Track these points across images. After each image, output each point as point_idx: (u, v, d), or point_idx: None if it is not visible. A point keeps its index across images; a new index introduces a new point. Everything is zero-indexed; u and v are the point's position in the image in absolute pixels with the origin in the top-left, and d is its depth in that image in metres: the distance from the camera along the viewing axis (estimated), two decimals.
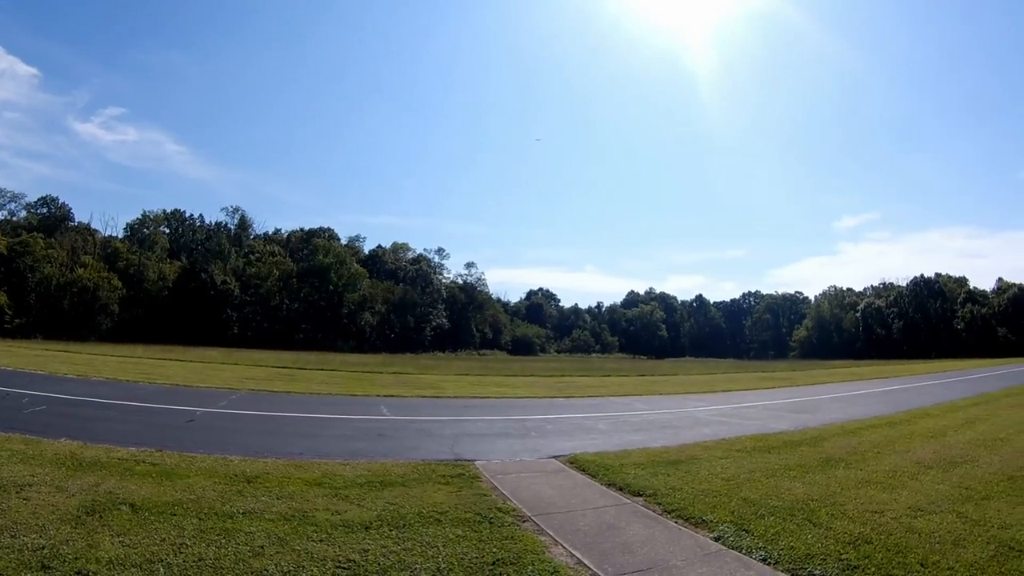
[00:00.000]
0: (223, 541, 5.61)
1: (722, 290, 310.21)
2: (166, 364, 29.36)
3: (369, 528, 6.35)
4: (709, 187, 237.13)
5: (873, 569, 5.73)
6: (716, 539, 6.69)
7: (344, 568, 5.23)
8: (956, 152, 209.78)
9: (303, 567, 5.18)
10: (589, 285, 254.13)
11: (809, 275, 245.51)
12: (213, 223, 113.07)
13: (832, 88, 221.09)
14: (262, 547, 5.54)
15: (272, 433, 11.93)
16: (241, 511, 6.56)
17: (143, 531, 5.78)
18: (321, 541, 5.85)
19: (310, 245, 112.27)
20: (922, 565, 5.82)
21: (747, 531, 6.88)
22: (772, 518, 7.37)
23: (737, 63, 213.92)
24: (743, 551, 6.31)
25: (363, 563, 5.37)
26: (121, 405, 14.93)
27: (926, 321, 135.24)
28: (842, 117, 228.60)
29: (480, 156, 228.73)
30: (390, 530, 6.34)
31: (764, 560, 6.05)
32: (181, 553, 5.25)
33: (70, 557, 5.05)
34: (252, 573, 4.97)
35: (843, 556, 6.08)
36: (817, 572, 5.69)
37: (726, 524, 7.11)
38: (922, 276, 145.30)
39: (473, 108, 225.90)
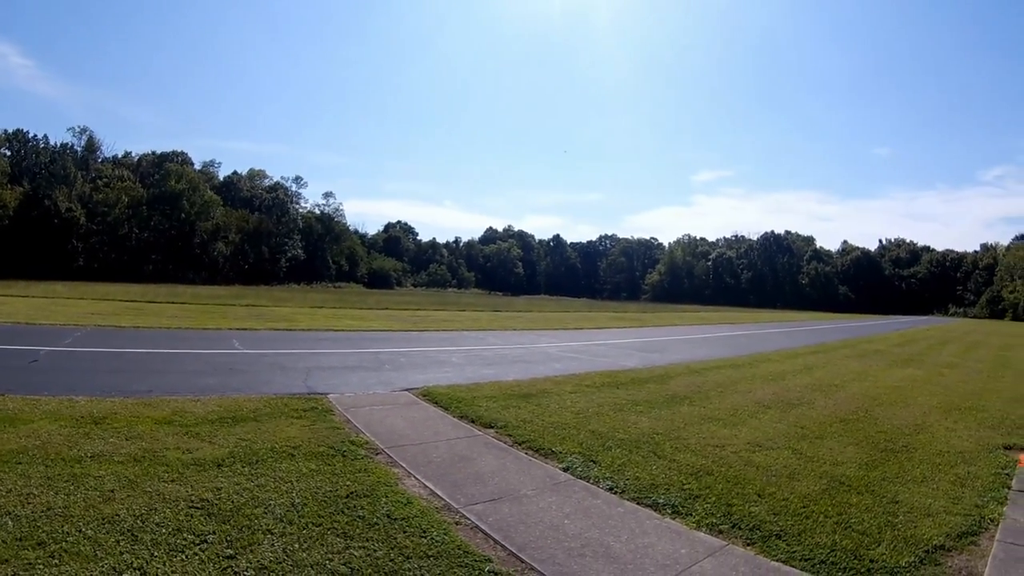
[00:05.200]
0: (72, 488, 5.25)
1: (579, 232, 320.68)
2: (6, 300, 26.90)
3: (221, 466, 6.14)
4: (571, 131, 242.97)
5: (714, 498, 6.09)
6: (565, 469, 6.90)
7: (197, 508, 5.04)
8: (819, 123, 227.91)
9: (155, 509, 4.94)
10: (448, 220, 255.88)
11: (664, 223, 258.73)
12: (58, 145, 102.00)
13: (703, 46, 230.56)
14: (112, 491, 5.24)
15: (120, 371, 11.23)
16: (89, 455, 6.16)
17: None
18: (173, 481, 5.59)
19: (162, 170, 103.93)
20: (759, 496, 6.24)
21: (595, 462, 7.15)
22: (619, 450, 7.69)
23: (603, 9, 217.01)
24: (591, 481, 6.55)
25: (216, 502, 5.19)
26: None
27: (773, 274, 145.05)
28: (709, 75, 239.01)
29: (343, 85, 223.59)
30: (243, 467, 6.15)
31: (611, 489, 6.31)
32: (29, 504, 4.86)
33: None
34: (103, 519, 4.69)
35: (686, 486, 6.43)
36: (661, 500, 5.99)
37: (575, 455, 7.36)
38: (772, 232, 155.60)
39: (337, 35, 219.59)
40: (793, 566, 4.77)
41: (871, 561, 4.89)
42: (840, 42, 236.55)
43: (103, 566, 4.04)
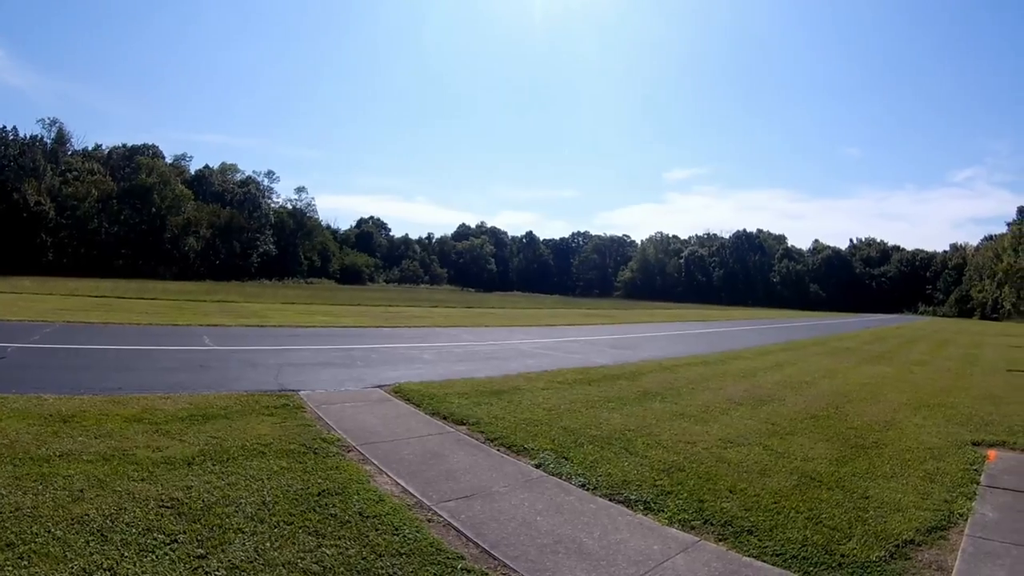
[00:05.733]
0: (40, 487, 5.15)
1: (552, 228, 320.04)
2: None
3: (192, 464, 6.07)
4: (546, 127, 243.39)
5: (685, 495, 6.13)
6: (537, 466, 6.93)
7: (167, 507, 4.98)
8: (791, 123, 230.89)
9: (125, 509, 4.87)
10: (420, 216, 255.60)
11: (637, 221, 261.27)
12: (28, 137, 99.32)
13: (677, 44, 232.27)
14: (82, 491, 5.16)
15: (89, 368, 11.07)
16: (58, 453, 6.06)
17: None
18: (143, 480, 5.52)
19: (133, 163, 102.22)
20: (731, 492, 6.30)
21: (567, 459, 7.18)
22: (591, 447, 7.73)
23: (580, 8, 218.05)
24: (563, 477, 6.58)
25: (187, 500, 5.13)
26: None
27: (745, 272, 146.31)
28: (683, 73, 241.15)
29: (317, 79, 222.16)
30: (213, 465, 6.09)
31: (583, 486, 6.34)
32: None
33: None
34: (72, 519, 4.62)
35: (658, 482, 6.48)
36: (633, 497, 6.02)
37: (547, 452, 7.39)
38: (744, 230, 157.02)
39: (312, 28, 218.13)
40: (765, 561, 4.82)
41: (842, 556, 4.95)
42: (814, 43, 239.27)
43: (73, 567, 3.99)
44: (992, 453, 8.59)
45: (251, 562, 4.24)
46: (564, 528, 5.21)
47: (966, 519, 5.94)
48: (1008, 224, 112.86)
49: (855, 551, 5.04)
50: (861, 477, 7.09)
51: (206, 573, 4.07)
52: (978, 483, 7.16)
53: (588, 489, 6.27)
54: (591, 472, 6.74)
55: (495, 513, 5.47)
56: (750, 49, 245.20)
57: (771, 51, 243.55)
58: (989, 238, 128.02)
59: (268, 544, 4.51)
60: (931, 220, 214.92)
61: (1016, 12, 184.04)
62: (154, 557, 4.20)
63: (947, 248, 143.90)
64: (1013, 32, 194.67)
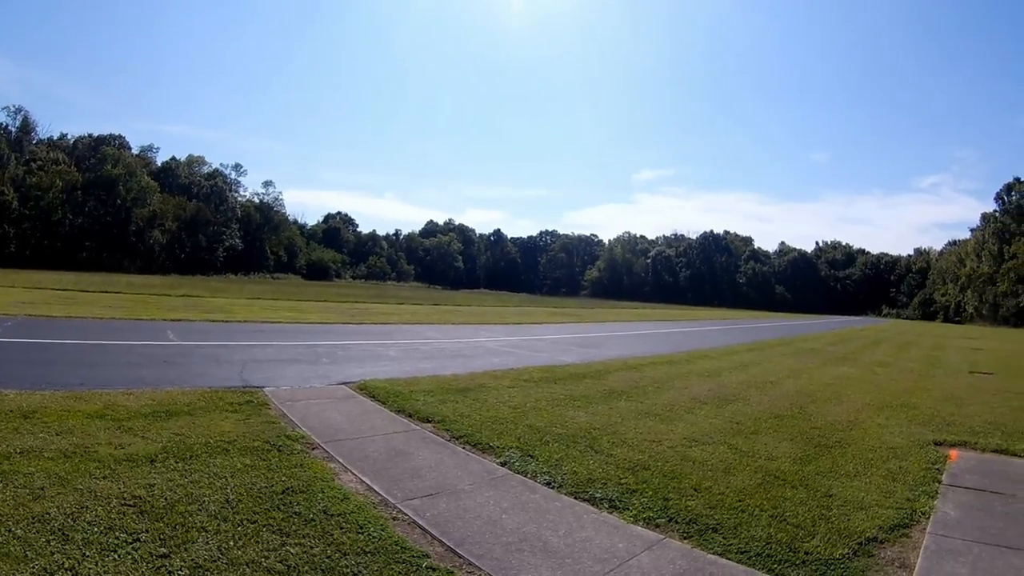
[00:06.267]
0: (0, 486, 5.07)
1: (520, 227, 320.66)
2: None
3: (155, 461, 5.98)
4: (515, 126, 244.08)
5: (650, 493, 6.19)
6: (502, 464, 6.94)
7: (130, 505, 4.90)
8: (760, 127, 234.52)
9: (87, 507, 4.78)
10: (389, 212, 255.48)
11: (605, 220, 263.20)
12: None
13: (647, 46, 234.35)
14: (42, 488, 5.06)
15: (51, 363, 10.86)
16: (19, 450, 5.93)
17: None
18: (105, 478, 5.43)
19: (98, 153, 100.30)
20: (695, 490, 6.36)
21: (532, 457, 7.20)
22: (556, 445, 7.76)
23: (551, 7, 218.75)
24: (528, 475, 6.60)
25: (149, 499, 5.05)
26: None
27: (711, 273, 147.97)
28: (654, 75, 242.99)
29: (286, 72, 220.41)
30: (176, 462, 6.01)
31: (548, 484, 6.37)
32: None
33: None
34: (33, 518, 4.53)
35: (623, 481, 6.53)
36: (598, 495, 6.06)
37: (512, 450, 7.41)
38: (711, 232, 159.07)
39: (281, 20, 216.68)
40: (730, 559, 4.88)
41: (806, 553, 5.03)
42: (784, 49, 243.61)
43: (34, 567, 3.92)
44: (954, 453, 8.77)
45: (214, 561, 4.20)
46: (529, 526, 5.23)
47: (928, 517, 6.05)
48: (972, 230, 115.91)
49: (819, 548, 5.12)
50: (825, 476, 7.20)
51: (169, 573, 4.02)
52: (940, 482, 7.31)
53: (553, 487, 6.29)
54: (556, 470, 6.77)
55: (460, 511, 5.47)
56: (721, 53, 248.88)
57: (742, 55, 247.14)
58: (953, 243, 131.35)
59: (232, 543, 4.47)
60: (897, 224, 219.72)
61: (985, 23, 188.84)
62: (116, 556, 4.14)
63: (911, 252, 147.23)
64: (983, 42, 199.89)
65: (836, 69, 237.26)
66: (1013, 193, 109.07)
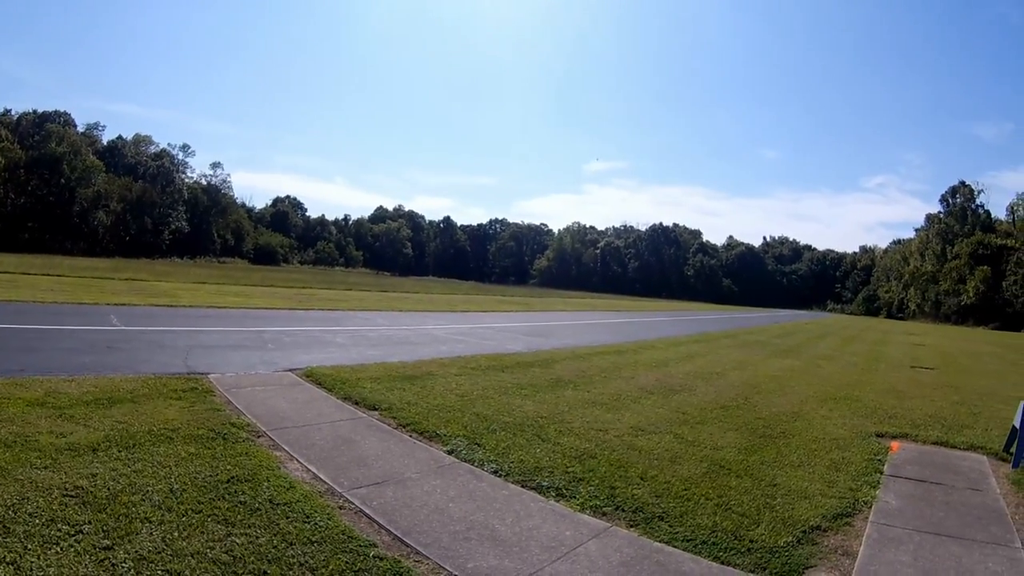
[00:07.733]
0: None
1: (470, 215, 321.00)
2: None
3: (97, 450, 5.85)
4: (466, 114, 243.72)
5: (597, 481, 6.28)
6: (449, 452, 6.97)
7: (72, 496, 4.79)
8: (711, 123, 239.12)
9: (27, 499, 4.66)
10: (338, 197, 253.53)
11: (555, 210, 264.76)
12: None
13: (601, 38, 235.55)
14: None
15: None
16: None
17: None
18: (46, 468, 5.29)
19: (43, 131, 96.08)
20: (642, 479, 6.48)
21: (479, 445, 7.25)
22: (503, 433, 7.82)
23: None
24: (475, 464, 6.64)
25: (92, 489, 4.94)
26: None
27: (660, 264, 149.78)
28: (607, 67, 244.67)
29: (237, 52, 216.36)
30: (119, 451, 5.88)
31: (495, 472, 6.42)
32: None
33: None
34: None
35: (570, 469, 6.61)
36: (545, 483, 6.13)
37: (459, 438, 7.44)
38: (660, 224, 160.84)
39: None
40: (676, 546, 4.98)
41: (751, 541, 5.16)
42: (737, 46, 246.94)
43: None
44: (895, 444, 9.06)
45: (159, 552, 4.14)
46: (477, 514, 5.27)
47: (870, 506, 6.27)
48: (917, 230, 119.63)
49: (764, 536, 5.26)
50: (769, 465, 7.39)
51: (112, 565, 3.95)
52: (882, 472, 7.56)
53: (500, 475, 6.35)
54: (503, 458, 6.82)
55: (407, 499, 5.49)
56: (673, 48, 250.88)
57: (694, 51, 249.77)
58: (897, 242, 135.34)
59: (176, 534, 4.41)
60: (843, 222, 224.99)
61: (935, 29, 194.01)
62: (59, 549, 4.06)
63: (857, 250, 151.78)
64: (932, 49, 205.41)
65: (788, 69, 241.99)
66: (958, 196, 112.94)
